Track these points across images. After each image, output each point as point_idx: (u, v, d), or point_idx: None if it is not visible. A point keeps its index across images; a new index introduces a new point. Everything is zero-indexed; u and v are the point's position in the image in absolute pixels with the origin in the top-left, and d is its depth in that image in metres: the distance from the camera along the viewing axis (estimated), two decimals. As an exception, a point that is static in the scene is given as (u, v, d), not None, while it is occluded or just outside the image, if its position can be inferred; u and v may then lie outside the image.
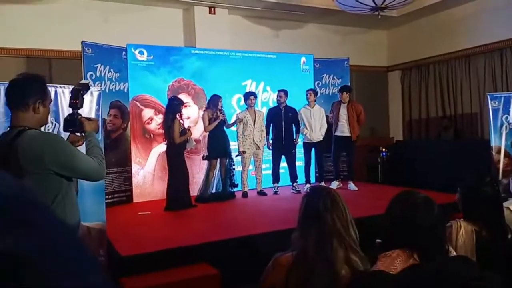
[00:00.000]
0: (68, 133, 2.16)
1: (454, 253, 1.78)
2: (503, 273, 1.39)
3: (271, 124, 6.15)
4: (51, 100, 2.00)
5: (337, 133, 6.31)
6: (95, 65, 5.31)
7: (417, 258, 1.59)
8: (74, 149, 1.92)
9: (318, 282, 1.46)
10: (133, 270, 3.18)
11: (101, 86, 5.14)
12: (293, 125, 6.20)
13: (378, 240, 1.90)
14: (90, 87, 2.20)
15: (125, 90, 5.72)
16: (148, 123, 5.90)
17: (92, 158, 1.90)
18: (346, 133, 6.25)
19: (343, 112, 6.26)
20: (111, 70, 5.52)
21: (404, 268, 1.39)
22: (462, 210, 2.09)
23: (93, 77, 5.26)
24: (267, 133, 6.13)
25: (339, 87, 6.65)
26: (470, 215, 2.03)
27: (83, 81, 2.37)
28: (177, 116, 5.10)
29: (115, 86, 5.58)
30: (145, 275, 3.15)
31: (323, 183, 6.18)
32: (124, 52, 5.72)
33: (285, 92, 6.14)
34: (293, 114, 6.18)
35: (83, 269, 0.36)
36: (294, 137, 6.21)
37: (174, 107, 5.12)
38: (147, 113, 5.88)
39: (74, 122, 2.06)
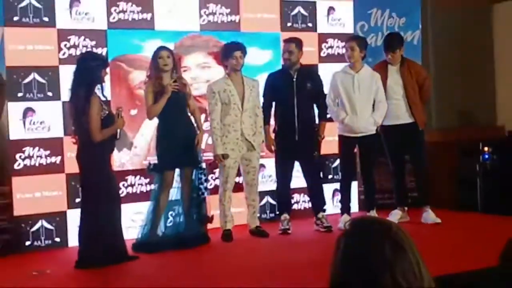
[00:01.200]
0: None
1: None
2: None
3: (273, 104, 6.17)
4: None
5: (387, 122, 6.38)
6: None
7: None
8: None
9: None
10: None
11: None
12: (315, 105, 6.25)
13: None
14: None
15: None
16: (139, 88, 6.23)
17: None
18: (404, 119, 6.38)
19: (393, 81, 6.39)
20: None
21: None
22: None
23: None
24: (267, 121, 6.14)
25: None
26: None
27: None
28: (96, 91, 5.09)
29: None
30: None
31: (373, 213, 6.24)
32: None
33: (298, 43, 6.15)
34: (315, 84, 6.23)
35: None
36: (316, 128, 6.26)
37: (90, 72, 5.07)
38: (138, 76, 6.23)
39: None
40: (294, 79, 6.09)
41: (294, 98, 6.05)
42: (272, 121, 6.25)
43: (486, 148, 7.75)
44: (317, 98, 6.23)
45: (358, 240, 1.60)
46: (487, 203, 7.45)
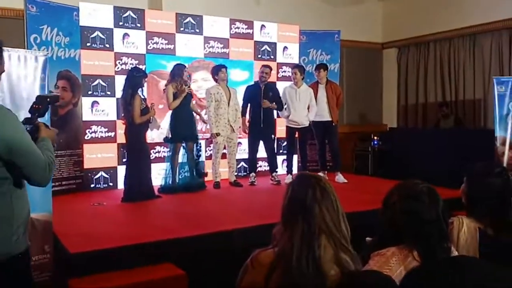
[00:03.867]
0: None
1: (456, 253, 1.81)
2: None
3: (248, 104, 6.12)
4: (3, 70, 1.91)
5: (316, 119, 6.37)
6: (41, 27, 5.14)
7: (416, 257, 1.61)
8: (27, 133, 1.83)
9: (303, 283, 1.45)
10: (84, 270, 3.12)
11: (47, 52, 4.96)
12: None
13: (368, 238, 1.93)
14: (60, 100, 2.13)
15: (76, 58, 5.56)
16: (165, 91, 5.98)
17: (42, 155, 1.83)
18: (326, 117, 6.35)
19: (321, 93, 6.37)
20: (60, 33, 5.34)
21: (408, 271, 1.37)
22: (466, 204, 2.12)
23: (38, 41, 5.10)
24: (243, 114, 6.11)
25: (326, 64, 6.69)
26: (474, 210, 2.06)
27: (53, 93, 2.33)
28: (138, 92, 5.02)
29: (64, 53, 5.42)
30: (98, 275, 3.08)
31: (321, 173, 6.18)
32: (75, 13, 5.55)
33: (271, 68, 6.13)
34: (275, 94, 6.18)
35: None
36: (274, 120, 6.22)
37: (134, 80, 5.01)
38: (164, 83, 5.98)
39: (30, 125, 2.00)
40: (262, 90, 6.05)
41: (261, 101, 6.01)
42: (248, 115, 6.17)
43: (375, 137, 7.91)
44: (276, 102, 6.15)
45: (300, 186, 1.61)
46: (375, 170, 7.64)
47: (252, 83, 6.39)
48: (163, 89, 5.79)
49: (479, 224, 2.03)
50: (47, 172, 1.82)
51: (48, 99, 2.17)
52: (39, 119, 2.06)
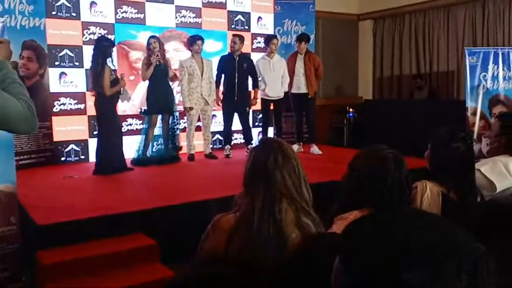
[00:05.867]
0: None
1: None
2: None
3: (222, 76, 6.04)
4: None
5: (293, 90, 6.33)
6: (2, -6, 4.94)
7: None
8: None
9: (264, 246, 1.46)
10: (52, 241, 3.10)
11: (10, 21, 4.78)
12: (249, 77, 6.11)
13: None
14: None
15: (41, 27, 5.38)
16: (135, 62, 6.04)
17: (17, 101, 1.53)
18: (303, 89, 6.30)
19: (299, 65, 6.28)
20: (23, 1, 5.15)
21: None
22: (430, 169, 2.16)
23: (0, 10, 4.88)
24: (217, 86, 6.03)
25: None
26: (437, 174, 2.10)
27: None
28: (108, 62, 4.92)
29: (29, 22, 5.23)
30: (67, 247, 3.07)
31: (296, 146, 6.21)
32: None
33: (241, 38, 6.02)
34: (249, 65, 6.10)
35: None
36: (248, 92, 6.16)
37: (103, 49, 4.90)
38: (135, 54, 6.02)
39: None
40: (237, 61, 5.95)
41: (235, 73, 5.91)
42: (221, 87, 6.07)
43: (351, 109, 7.96)
44: (250, 73, 6.06)
45: (262, 151, 1.60)
46: (350, 142, 7.70)
47: (226, 53, 6.27)
48: (133, 61, 5.70)
49: (442, 188, 2.06)
50: (31, 117, 1.57)
51: None
52: None
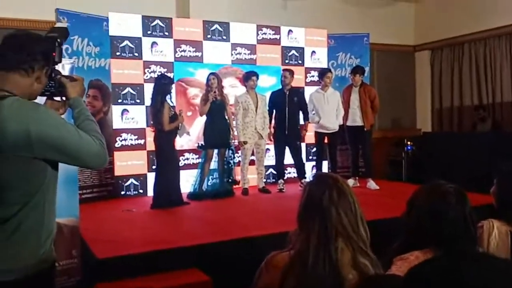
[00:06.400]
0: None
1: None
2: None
3: (274, 111, 6.08)
4: (60, 61, 1.72)
5: (348, 123, 6.27)
6: (72, 37, 5.29)
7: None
8: (68, 124, 1.59)
9: (320, 284, 1.41)
10: (111, 274, 3.17)
11: (78, 62, 5.11)
12: (300, 111, 6.13)
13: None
14: (68, 33, 1.78)
15: (106, 67, 5.70)
16: (193, 99, 6.24)
17: (91, 138, 1.61)
18: (358, 122, 6.22)
19: (354, 97, 6.22)
20: (90, 43, 5.50)
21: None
22: (497, 206, 2.05)
23: (69, 51, 5.26)
24: (270, 121, 6.08)
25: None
26: (505, 213, 1.98)
27: (58, 25, 2.00)
28: (167, 99, 5.08)
29: (95, 63, 5.56)
30: (125, 281, 3.13)
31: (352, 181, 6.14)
32: (105, 23, 5.69)
33: (291, 72, 6.08)
34: (300, 98, 6.12)
35: None
36: (299, 126, 6.15)
37: (162, 87, 5.08)
38: (192, 91, 6.24)
39: (51, 83, 1.71)
40: (287, 95, 5.99)
41: (286, 107, 5.95)
42: (273, 121, 6.12)
43: (409, 142, 7.73)
44: (301, 107, 6.09)
45: (316, 187, 1.57)
46: (409, 176, 7.45)
47: (277, 89, 6.31)
48: (191, 97, 5.86)
49: (511, 228, 1.95)
50: (103, 152, 1.64)
51: (58, 39, 1.69)
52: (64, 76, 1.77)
